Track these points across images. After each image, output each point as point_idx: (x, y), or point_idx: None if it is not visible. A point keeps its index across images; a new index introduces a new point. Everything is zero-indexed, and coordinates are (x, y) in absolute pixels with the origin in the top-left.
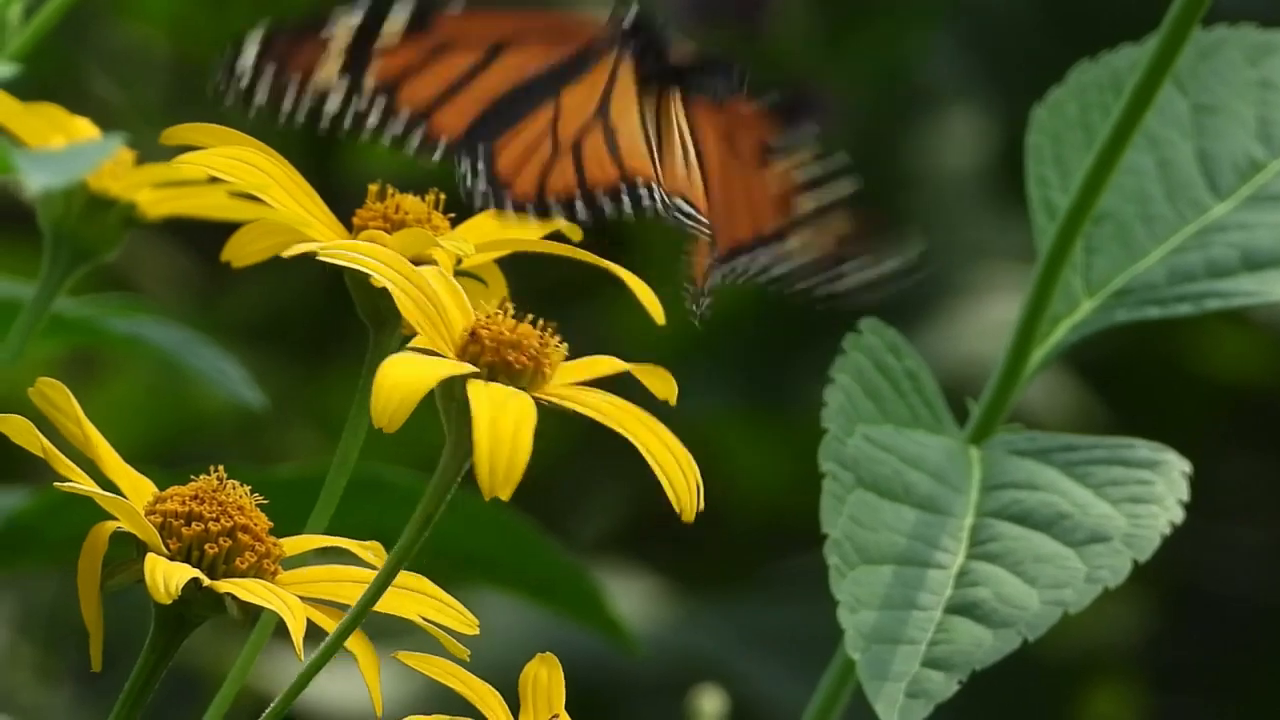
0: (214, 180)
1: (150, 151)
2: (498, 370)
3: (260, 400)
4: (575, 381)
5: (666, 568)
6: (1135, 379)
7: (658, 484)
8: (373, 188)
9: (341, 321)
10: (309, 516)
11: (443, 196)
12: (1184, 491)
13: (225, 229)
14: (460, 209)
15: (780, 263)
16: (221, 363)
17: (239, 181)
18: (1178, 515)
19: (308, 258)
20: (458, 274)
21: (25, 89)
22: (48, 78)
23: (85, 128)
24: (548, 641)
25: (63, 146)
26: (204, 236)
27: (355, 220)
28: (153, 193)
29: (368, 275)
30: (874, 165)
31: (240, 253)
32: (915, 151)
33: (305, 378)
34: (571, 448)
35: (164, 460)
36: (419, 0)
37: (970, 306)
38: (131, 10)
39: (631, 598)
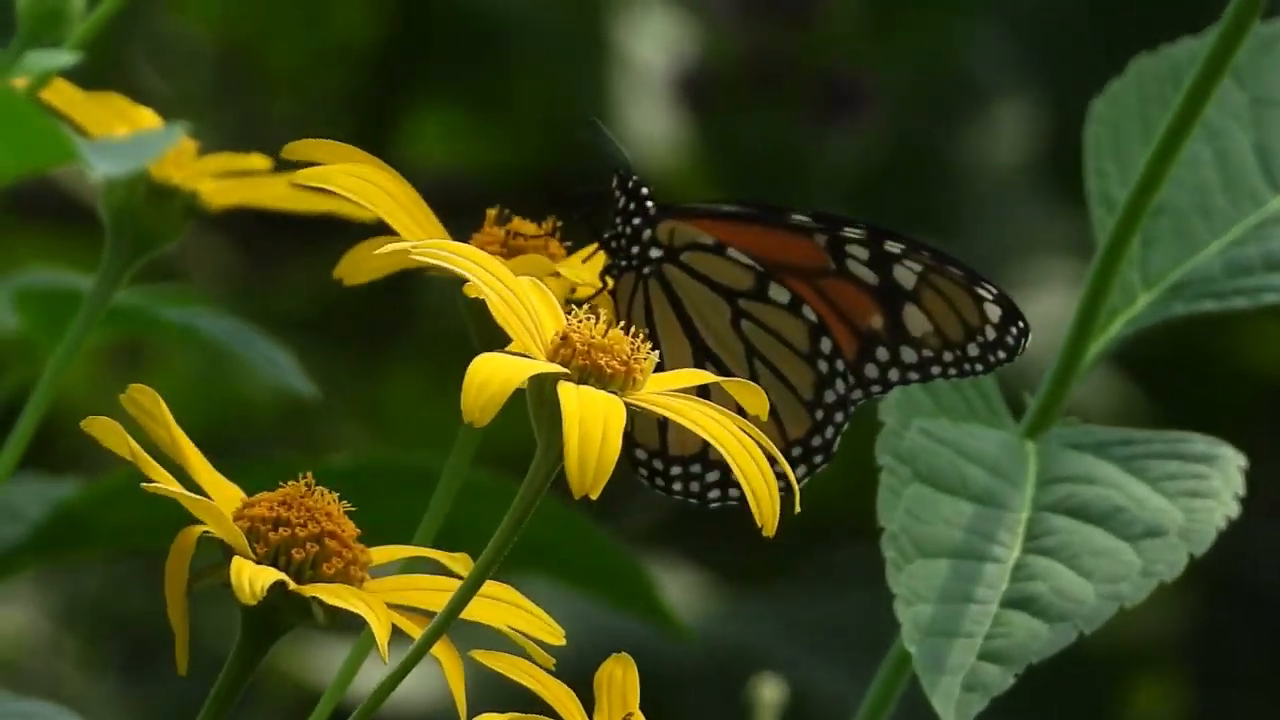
0: (277, 170)
1: (198, 142)
2: (588, 373)
3: (310, 390)
4: (665, 390)
5: (711, 560)
6: (1180, 375)
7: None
8: (490, 212)
9: (392, 316)
10: (361, 506)
11: (559, 227)
12: (1240, 486)
13: (270, 223)
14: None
15: (912, 368)
16: (273, 353)
17: (357, 198)
18: (1234, 510)
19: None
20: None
21: (74, 79)
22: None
23: (148, 117)
24: (596, 631)
25: (126, 135)
26: (250, 229)
27: (472, 244)
28: (215, 183)
29: (461, 277)
30: (922, 159)
31: (354, 270)
32: (963, 145)
33: (353, 370)
34: None
35: (210, 450)
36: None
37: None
38: (177, 2)
39: (677, 590)
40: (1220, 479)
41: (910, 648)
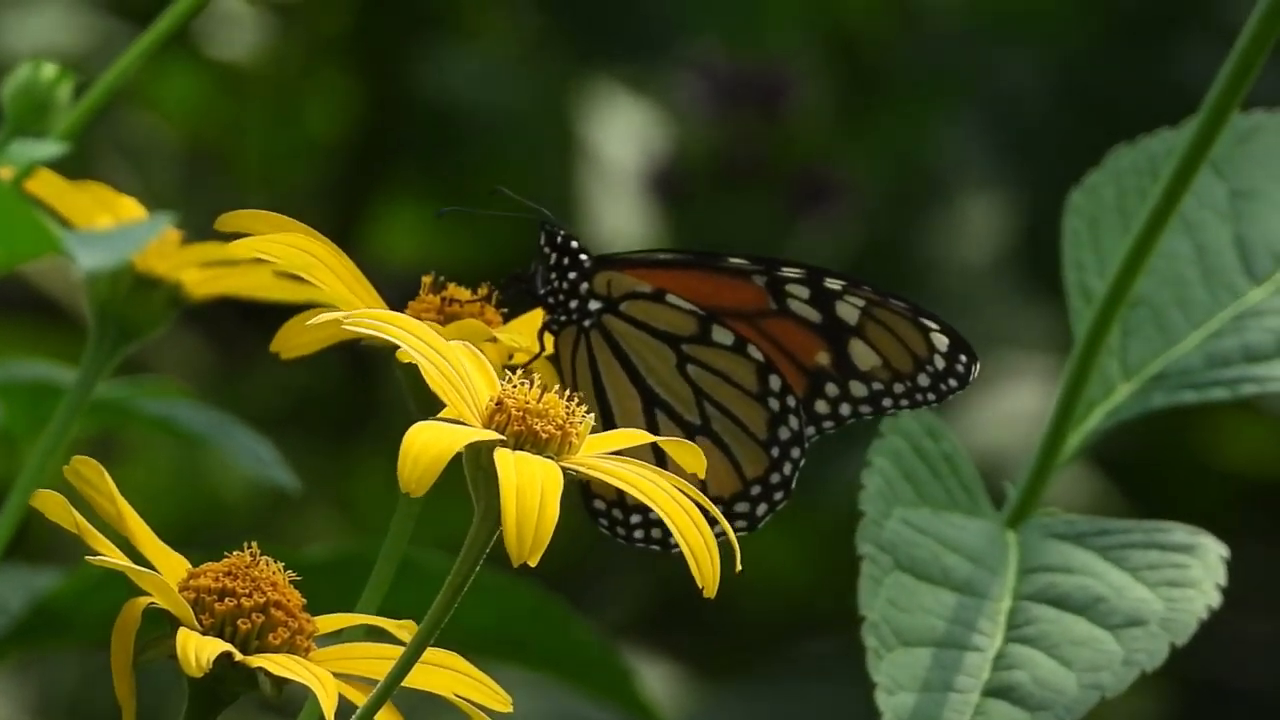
0: (260, 260)
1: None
2: (524, 439)
3: (292, 481)
4: (603, 452)
5: (686, 653)
6: (1153, 470)
7: (677, 568)
8: (426, 279)
9: (362, 407)
10: (338, 598)
11: (495, 293)
12: (1221, 575)
13: (242, 315)
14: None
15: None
16: (255, 445)
17: (292, 266)
18: (1215, 599)
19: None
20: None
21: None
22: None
23: (131, 207)
24: None
25: (110, 226)
26: (222, 321)
27: (408, 312)
28: (198, 272)
29: (393, 345)
30: (892, 253)
31: (289, 344)
32: (933, 238)
33: (324, 462)
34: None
35: (183, 544)
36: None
37: (987, 395)
38: (147, 98)
39: (654, 682)
40: (1201, 568)
41: None
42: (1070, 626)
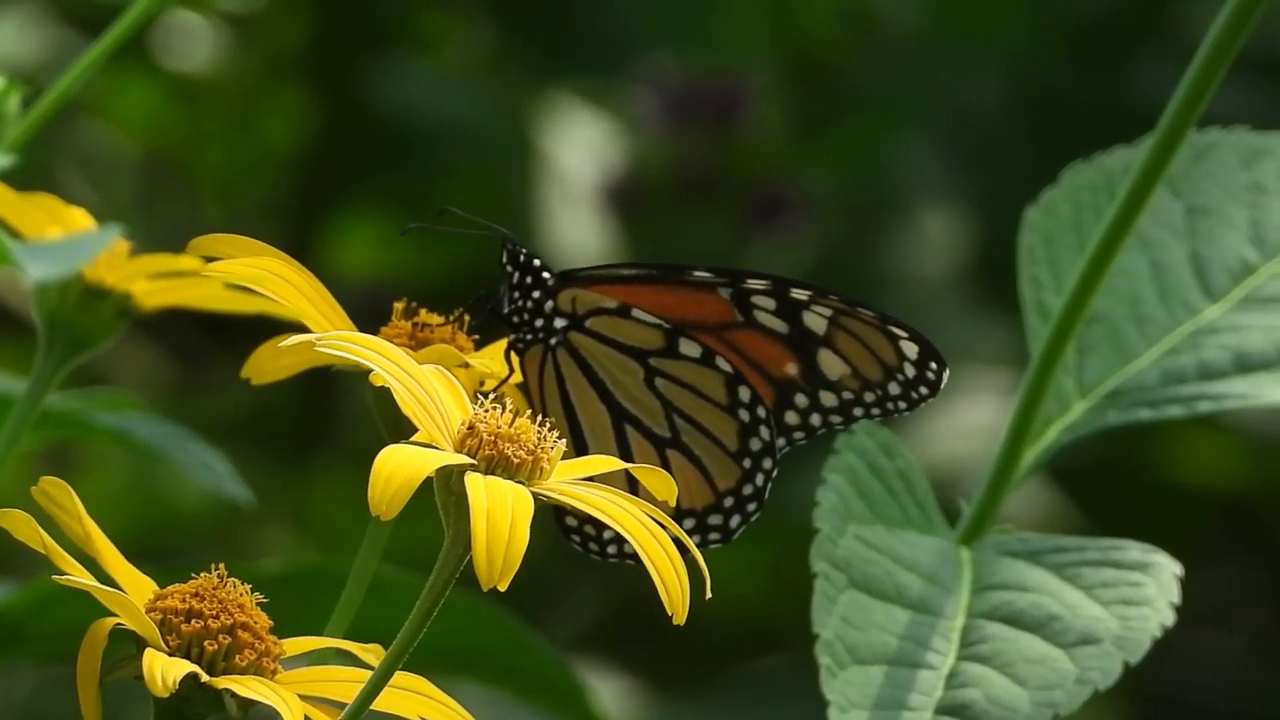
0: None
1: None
2: (495, 464)
3: (246, 495)
4: (574, 478)
5: (640, 667)
6: (1109, 485)
7: (632, 583)
8: (398, 305)
9: (319, 421)
10: (295, 611)
11: (466, 316)
12: (1175, 594)
13: (200, 327)
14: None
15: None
16: (208, 458)
17: (263, 290)
18: (1169, 618)
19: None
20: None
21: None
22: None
23: (81, 219)
24: None
25: (60, 237)
26: (180, 334)
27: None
28: (148, 284)
29: (365, 369)
30: (849, 267)
31: (261, 369)
32: (890, 253)
33: (281, 475)
34: (547, 546)
35: (139, 556)
36: None
37: (944, 410)
38: (104, 110)
39: (608, 697)
40: (1155, 586)
41: None
42: (1024, 644)
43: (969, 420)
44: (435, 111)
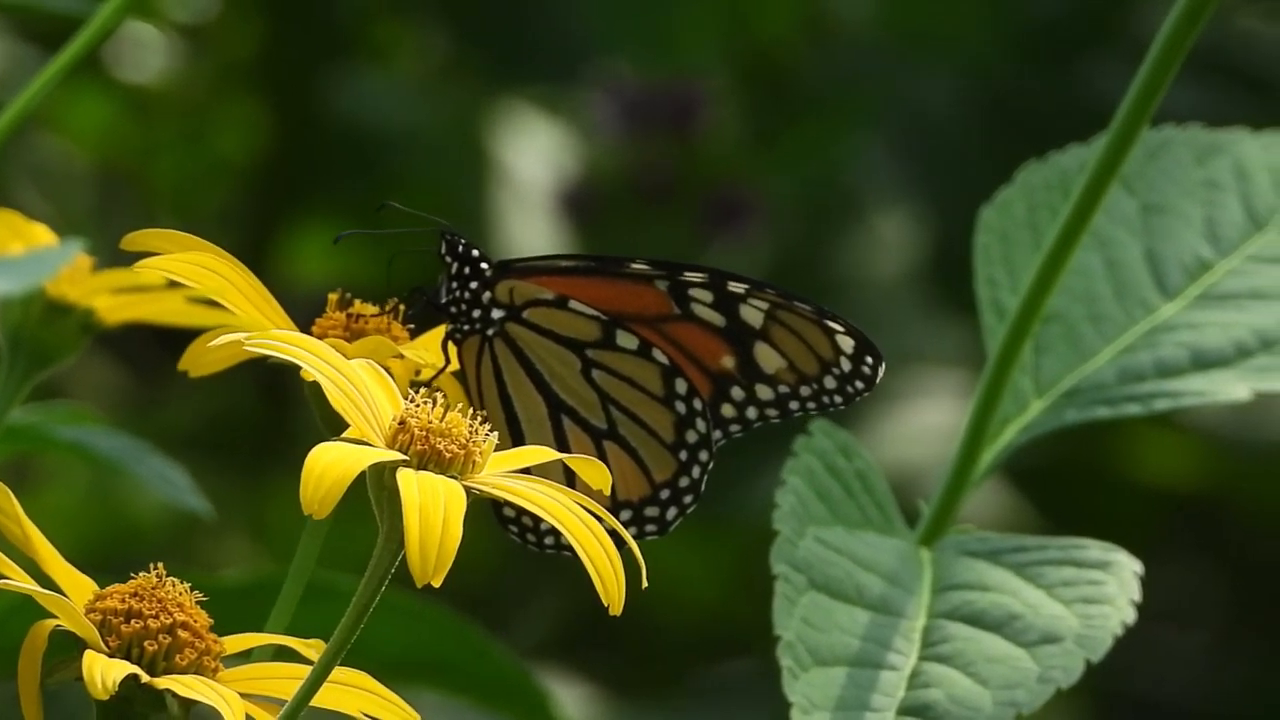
0: (173, 285)
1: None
2: (427, 458)
3: (205, 507)
4: (507, 470)
5: (602, 673)
6: (1068, 484)
7: (593, 587)
8: (332, 296)
9: (276, 432)
10: (254, 622)
11: (401, 307)
12: (1136, 592)
13: (157, 340)
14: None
15: (770, 405)
16: (167, 471)
17: (199, 286)
18: (1130, 616)
19: (243, 364)
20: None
21: None
22: None
23: (42, 234)
24: None
25: (22, 253)
26: (136, 346)
27: (315, 330)
28: (110, 299)
29: (296, 366)
30: (805, 271)
31: (197, 362)
32: (846, 255)
33: (239, 487)
34: (506, 551)
35: (98, 568)
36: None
37: (901, 411)
38: (57, 123)
39: (568, 703)
40: (1116, 584)
41: None
42: (985, 644)
43: (926, 422)
44: (390, 120)
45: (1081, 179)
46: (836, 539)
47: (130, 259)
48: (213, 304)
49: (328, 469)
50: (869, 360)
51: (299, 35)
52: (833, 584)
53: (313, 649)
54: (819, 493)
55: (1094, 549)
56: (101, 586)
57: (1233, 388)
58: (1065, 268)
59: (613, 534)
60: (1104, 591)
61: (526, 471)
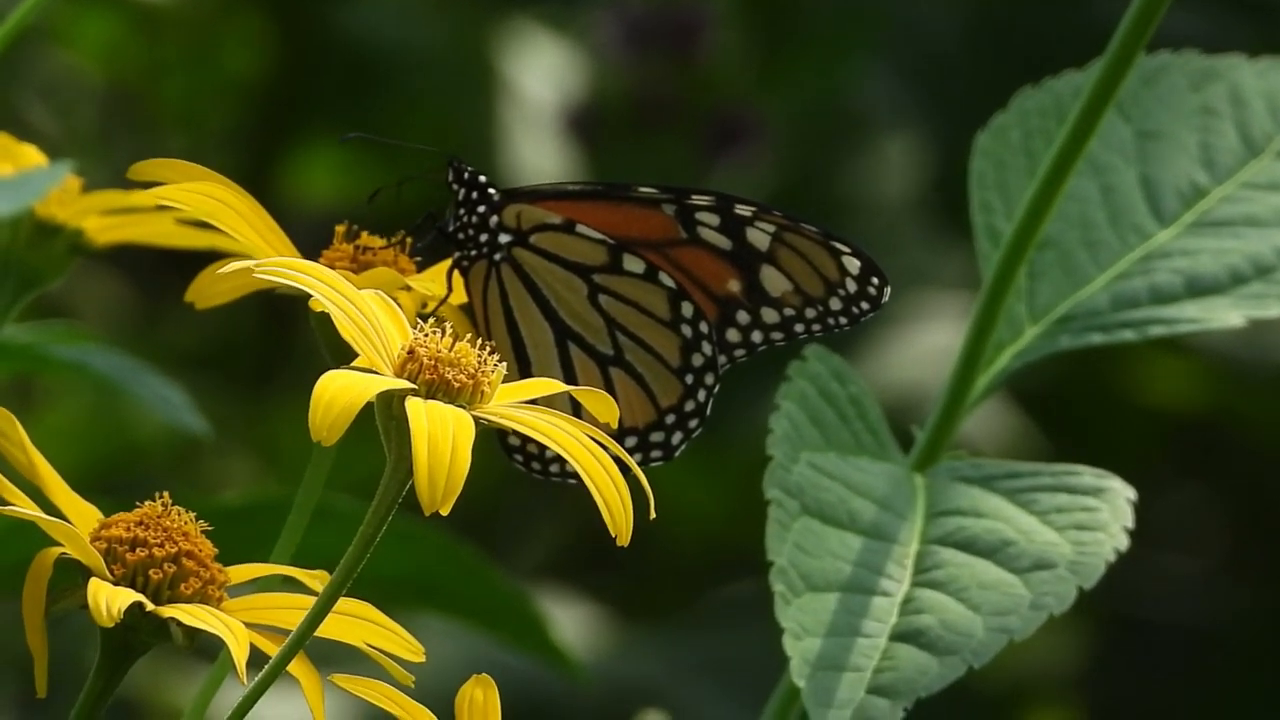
0: (162, 208)
1: (87, 180)
2: (436, 388)
3: (203, 427)
4: (515, 401)
5: (605, 596)
6: (1072, 407)
7: (597, 511)
8: (339, 228)
9: (280, 352)
10: (255, 543)
11: (409, 240)
12: (1129, 519)
13: (162, 258)
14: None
15: (775, 328)
16: (165, 390)
17: (206, 216)
18: (1123, 542)
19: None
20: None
21: None
22: None
23: (32, 155)
24: (488, 668)
25: (10, 174)
26: (141, 265)
27: (322, 261)
28: (100, 220)
29: (305, 294)
30: (809, 193)
31: (204, 294)
32: (850, 179)
33: (243, 407)
34: (511, 475)
35: (101, 489)
36: None
37: (906, 334)
38: (65, 39)
39: (571, 625)
40: (1109, 511)
41: (799, 682)
42: (978, 570)
43: (929, 345)
44: (396, 39)
45: (1077, 105)
46: (830, 464)
47: (135, 183)
48: (204, 225)
49: (336, 396)
50: (875, 281)
51: None
52: (825, 509)
53: (317, 580)
54: (812, 418)
55: (1087, 475)
56: (103, 507)
57: (1227, 314)
58: (1060, 194)
59: (619, 463)
60: (1097, 518)
61: (533, 402)
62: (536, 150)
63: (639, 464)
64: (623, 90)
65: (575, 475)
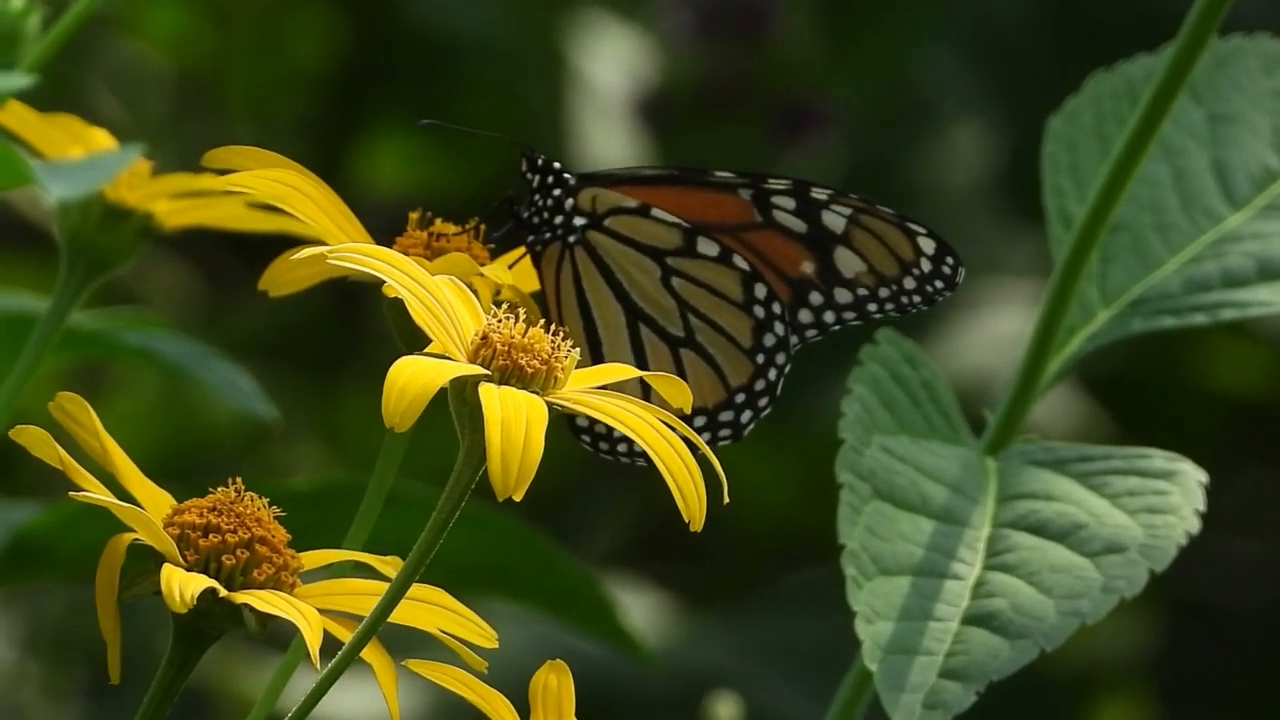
0: (230, 191)
1: (156, 169)
2: (509, 374)
3: (272, 413)
4: (589, 387)
5: (675, 582)
6: (1140, 391)
7: (666, 496)
8: (413, 215)
9: (349, 338)
10: (326, 529)
11: (483, 227)
12: (1200, 502)
13: (229, 246)
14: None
15: (848, 308)
16: (234, 376)
17: (278, 202)
18: (1194, 525)
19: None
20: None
21: (29, 103)
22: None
23: (102, 139)
24: (558, 653)
25: (81, 157)
26: (210, 252)
27: (396, 247)
28: (169, 203)
29: (378, 280)
30: (878, 180)
31: (277, 282)
32: (919, 165)
33: (311, 393)
34: (582, 461)
35: (170, 475)
36: None
37: (975, 320)
38: (134, 28)
39: (640, 612)
40: (1180, 494)
41: (871, 665)
42: (1049, 554)
43: (998, 331)
44: (465, 26)
45: (1149, 88)
46: (901, 448)
47: (205, 170)
48: (273, 209)
49: (410, 382)
50: (949, 261)
51: None
52: (897, 493)
53: (389, 565)
54: (884, 401)
55: (1159, 459)
56: (174, 493)
57: None
58: (1132, 177)
59: (691, 446)
60: (1169, 501)
61: (604, 386)
62: (606, 138)
63: (708, 443)
64: (692, 77)
65: (643, 455)
